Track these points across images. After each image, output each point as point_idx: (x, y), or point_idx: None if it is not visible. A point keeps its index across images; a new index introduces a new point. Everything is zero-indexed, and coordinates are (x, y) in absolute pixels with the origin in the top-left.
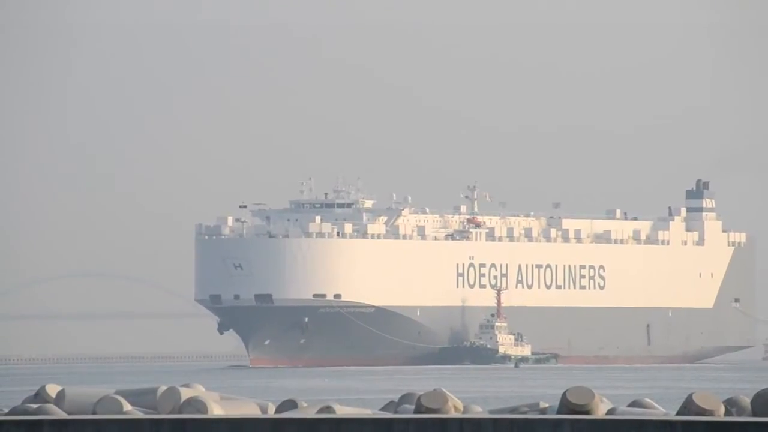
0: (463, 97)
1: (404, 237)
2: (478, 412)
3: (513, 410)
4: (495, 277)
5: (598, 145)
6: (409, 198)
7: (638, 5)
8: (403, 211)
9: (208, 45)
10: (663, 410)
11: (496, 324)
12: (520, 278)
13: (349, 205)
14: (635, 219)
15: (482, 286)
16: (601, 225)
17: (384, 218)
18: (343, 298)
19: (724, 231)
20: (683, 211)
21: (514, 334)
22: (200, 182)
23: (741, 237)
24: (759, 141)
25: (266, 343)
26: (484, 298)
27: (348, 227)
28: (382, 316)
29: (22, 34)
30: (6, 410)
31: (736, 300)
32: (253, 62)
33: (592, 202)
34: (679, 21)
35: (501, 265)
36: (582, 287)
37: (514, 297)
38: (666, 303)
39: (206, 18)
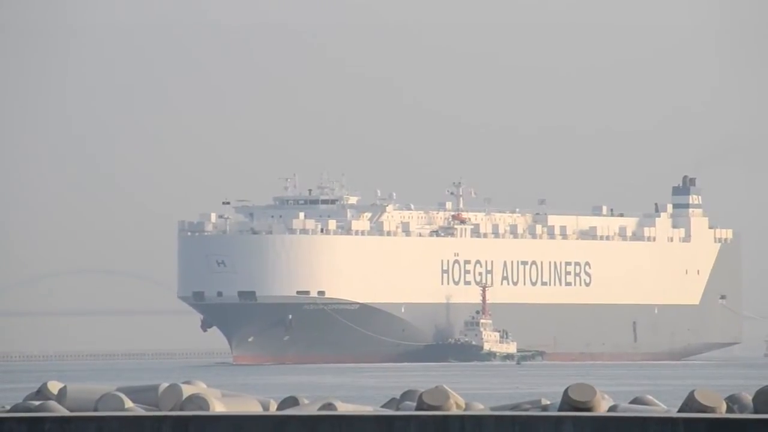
0: (449, 94)
1: (388, 233)
2: (480, 409)
3: (514, 407)
4: (480, 274)
5: (584, 141)
6: (394, 194)
7: (622, 4)
8: (387, 208)
9: (193, 42)
10: (664, 407)
11: (481, 321)
12: (505, 275)
13: (333, 202)
14: (621, 215)
15: (467, 283)
16: (586, 221)
17: (368, 215)
18: (327, 295)
19: (710, 227)
20: (669, 207)
21: (499, 331)
22: (183, 179)
23: (727, 233)
24: (746, 137)
25: (250, 340)
26: (469, 295)
27: (332, 224)
28: (367, 313)
29: (19, 32)
30: (8, 407)
31: (723, 297)
32: (237, 59)
33: (578, 198)
34: (663, 22)
35: (486, 262)
36: (568, 284)
37: (500, 294)
38: (652, 300)
39: (192, 15)
